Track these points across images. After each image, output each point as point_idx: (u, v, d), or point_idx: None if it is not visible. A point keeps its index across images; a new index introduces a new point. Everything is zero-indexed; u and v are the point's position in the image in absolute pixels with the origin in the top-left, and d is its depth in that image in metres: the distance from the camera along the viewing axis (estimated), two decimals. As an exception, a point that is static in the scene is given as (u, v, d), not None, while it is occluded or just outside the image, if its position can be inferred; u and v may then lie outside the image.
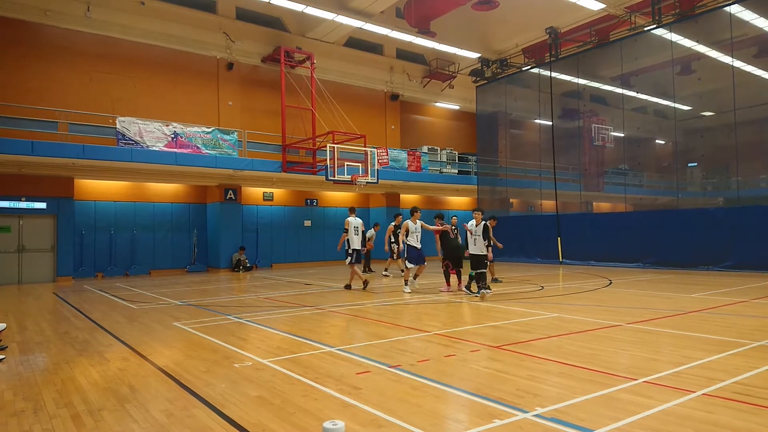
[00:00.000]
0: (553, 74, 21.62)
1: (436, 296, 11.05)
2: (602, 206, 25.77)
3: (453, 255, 11.94)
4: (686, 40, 18.05)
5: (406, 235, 11.61)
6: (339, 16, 19.67)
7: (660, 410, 3.81)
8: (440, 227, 12.08)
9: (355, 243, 12.16)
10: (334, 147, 17.50)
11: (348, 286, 12.56)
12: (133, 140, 16.33)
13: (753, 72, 17.73)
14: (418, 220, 11.69)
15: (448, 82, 26.30)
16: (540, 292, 11.54)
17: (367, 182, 18.14)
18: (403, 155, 22.75)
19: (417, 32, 22.10)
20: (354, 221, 12.32)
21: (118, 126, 16.19)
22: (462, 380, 4.76)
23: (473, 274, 10.66)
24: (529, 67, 23.36)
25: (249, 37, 20.73)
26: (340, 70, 23.06)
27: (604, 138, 21.39)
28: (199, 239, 20.74)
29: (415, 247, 11.63)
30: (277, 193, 22.60)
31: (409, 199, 26.23)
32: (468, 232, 10.72)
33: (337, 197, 24.45)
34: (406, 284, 11.80)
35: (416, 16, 21.10)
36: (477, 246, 10.43)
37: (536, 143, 23.22)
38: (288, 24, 21.74)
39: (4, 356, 6.04)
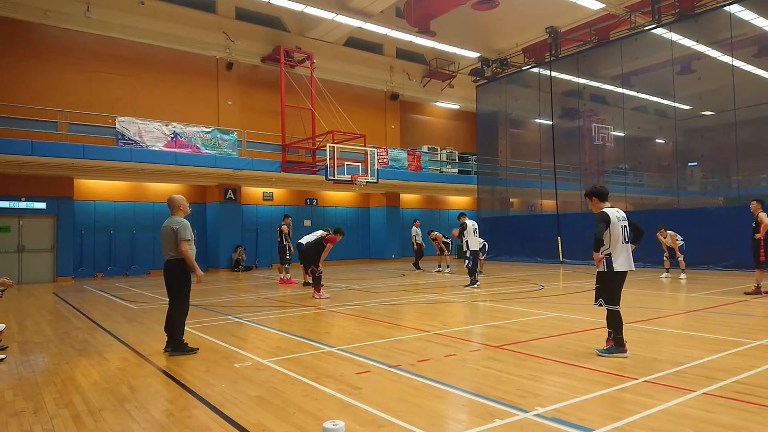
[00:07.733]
0: (553, 74, 21.61)
1: (439, 296, 11.05)
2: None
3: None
4: (686, 39, 18.04)
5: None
6: (339, 15, 19.66)
7: (660, 409, 3.81)
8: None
9: (474, 243, 12.44)
10: (333, 147, 17.48)
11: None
12: (132, 140, 16.31)
13: (753, 72, 17.72)
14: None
15: (448, 81, 26.28)
16: (540, 291, 11.54)
17: (367, 182, 18.11)
18: (403, 155, 22.74)
19: (417, 32, 22.08)
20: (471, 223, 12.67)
21: (117, 126, 16.17)
22: (462, 380, 4.76)
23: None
24: (529, 66, 23.35)
25: (249, 36, 20.71)
26: (340, 69, 23.04)
27: (604, 137, 21.38)
28: (199, 239, 20.61)
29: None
30: (277, 192, 22.58)
31: (409, 198, 26.23)
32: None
33: (337, 197, 24.44)
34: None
35: (416, 15, 21.08)
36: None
37: (536, 143, 23.21)
38: (288, 24, 21.72)
39: (4, 356, 6.04)
